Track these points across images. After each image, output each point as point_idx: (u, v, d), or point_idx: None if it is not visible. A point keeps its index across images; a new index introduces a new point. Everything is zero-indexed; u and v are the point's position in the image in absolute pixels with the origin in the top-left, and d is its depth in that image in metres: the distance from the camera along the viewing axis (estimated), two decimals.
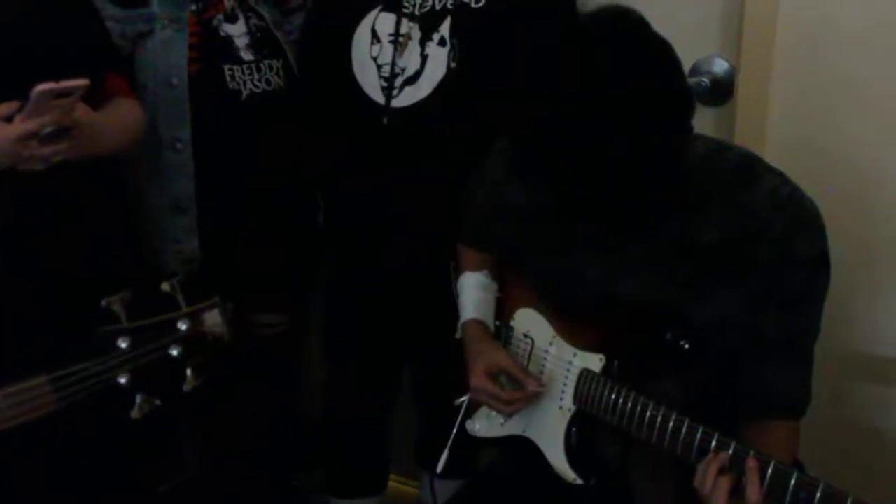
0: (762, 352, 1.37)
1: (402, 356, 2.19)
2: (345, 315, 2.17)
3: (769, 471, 1.19)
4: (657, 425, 1.33)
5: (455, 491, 2.32)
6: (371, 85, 1.90)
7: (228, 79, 1.89)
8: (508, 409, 1.53)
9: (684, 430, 1.30)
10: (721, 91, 1.88)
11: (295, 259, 2.16)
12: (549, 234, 1.48)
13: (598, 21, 1.22)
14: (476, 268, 1.69)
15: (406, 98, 1.88)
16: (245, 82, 1.91)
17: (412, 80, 1.88)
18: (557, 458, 1.50)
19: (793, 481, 1.16)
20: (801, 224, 1.32)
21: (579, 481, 1.47)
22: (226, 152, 1.93)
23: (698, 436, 1.28)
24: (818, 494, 1.14)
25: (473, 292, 1.67)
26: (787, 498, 1.17)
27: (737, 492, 1.22)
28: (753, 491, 1.20)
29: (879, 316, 1.84)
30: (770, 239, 1.31)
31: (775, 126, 1.82)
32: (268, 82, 1.94)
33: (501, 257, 1.67)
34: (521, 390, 1.52)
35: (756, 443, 1.29)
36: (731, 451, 1.24)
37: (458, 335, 1.69)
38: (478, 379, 1.55)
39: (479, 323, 1.64)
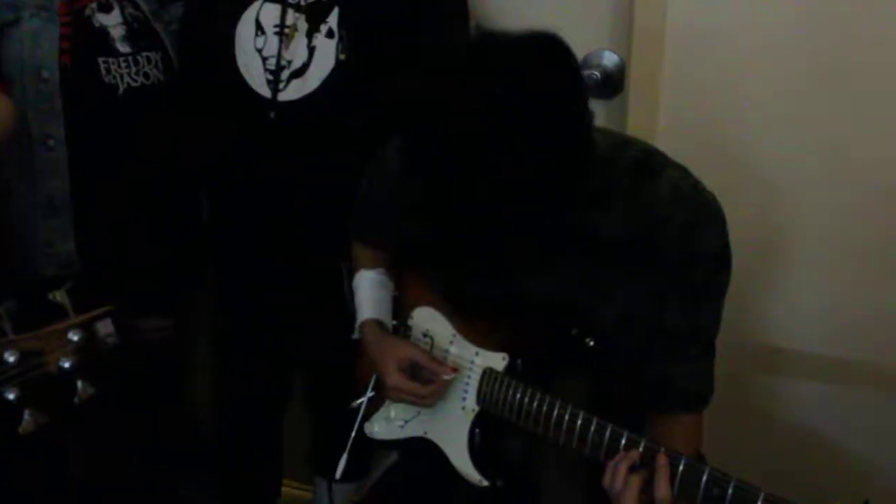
0: (666, 346, 1.35)
1: (293, 359, 2.11)
2: (232, 318, 2.08)
3: (680, 468, 1.17)
4: (564, 424, 1.30)
5: (351, 492, 2.28)
6: (256, 78, 1.81)
7: (104, 72, 1.77)
8: (428, 402, 1.49)
9: (592, 428, 1.27)
10: (612, 84, 1.86)
11: (178, 260, 2.05)
12: (454, 236, 1.42)
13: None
14: (371, 266, 1.63)
15: (293, 92, 1.80)
16: (122, 76, 1.79)
17: (299, 72, 1.80)
18: (461, 460, 1.46)
19: (704, 477, 1.15)
20: (703, 218, 1.31)
21: (485, 483, 1.43)
22: (102, 149, 1.82)
23: (607, 434, 1.26)
24: (730, 491, 1.13)
25: (370, 291, 1.61)
26: (700, 495, 1.15)
27: (648, 490, 1.20)
28: (663, 488, 1.18)
29: (772, 306, 1.87)
30: (673, 234, 1.30)
31: (667, 119, 1.82)
32: (146, 76, 1.83)
33: (399, 254, 1.62)
34: (436, 382, 1.47)
35: (661, 435, 1.27)
36: (640, 449, 1.22)
37: (355, 336, 1.63)
38: (393, 378, 1.49)
39: (377, 322, 1.58)
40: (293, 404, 2.19)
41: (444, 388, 1.47)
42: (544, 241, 1.28)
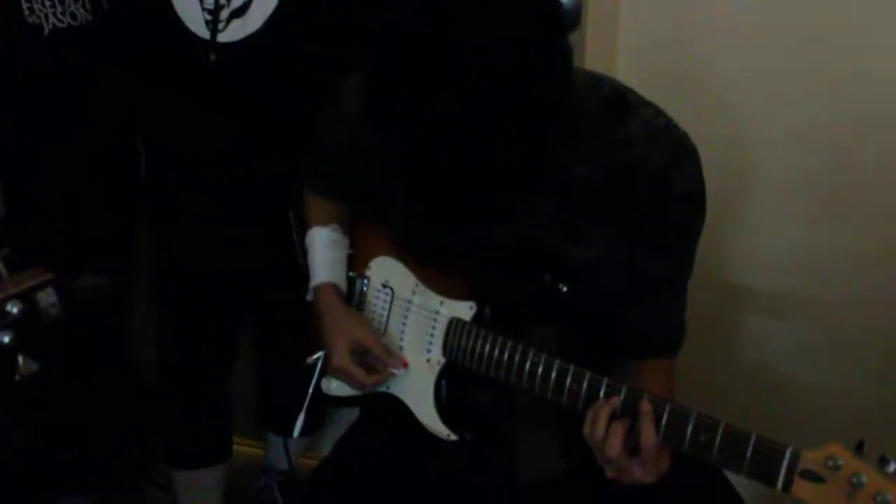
0: (640, 290, 1.29)
1: (240, 315, 2.01)
2: (175, 275, 1.97)
3: (665, 414, 1.11)
4: (538, 374, 1.23)
5: (303, 447, 2.20)
6: (194, 18, 1.69)
7: (27, 11, 1.63)
8: (367, 389, 1.43)
9: (569, 377, 1.20)
10: (570, 19, 1.78)
11: (114, 215, 1.94)
12: (415, 180, 1.33)
13: None
14: (325, 221, 1.53)
15: (234, 32, 1.69)
16: (46, 15, 1.65)
17: (239, 12, 1.69)
18: (428, 415, 1.38)
19: (691, 423, 1.09)
20: (679, 158, 1.24)
21: (453, 437, 1.35)
22: (27, 96, 1.68)
23: (585, 382, 1.19)
24: (718, 436, 1.07)
25: (324, 251, 1.52)
26: (686, 441, 1.09)
27: (631, 437, 1.14)
28: (648, 436, 1.12)
29: (736, 245, 1.83)
30: (647, 174, 1.22)
31: (626, 54, 1.74)
32: (73, 16, 1.69)
33: (356, 204, 1.52)
34: (382, 373, 1.41)
35: (634, 382, 1.21)
36: (622, 396, 1.15)
37: (309, 298, 1.53)
38: (339, 358, 1.42)
39: (332, 286, 1.49)
40: (239, 361, 2.10)
41: (385, 380, 1.42)
42: (516, 182, 1.20)
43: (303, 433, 2.10)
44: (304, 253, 1.62)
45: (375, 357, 1.42)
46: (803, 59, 1.72)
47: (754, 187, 1.82)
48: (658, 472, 1.14)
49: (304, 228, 1.60)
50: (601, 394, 1.17)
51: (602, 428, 1.14)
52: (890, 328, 1.84)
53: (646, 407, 1.13)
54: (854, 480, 0.98)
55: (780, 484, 1.02)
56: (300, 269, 1.65)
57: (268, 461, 2.30)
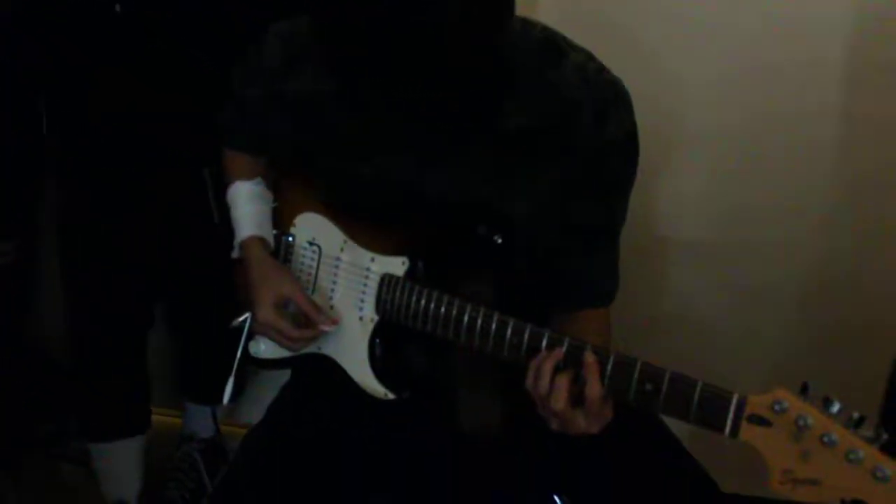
0: (575, 239, 1.27)
1: (154, 280, 1.92)
2: (83, 239, 1.87)
3: (609, 364, 1.10)
4: (477, 328, 1.20)
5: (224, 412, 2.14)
6: None
7: None
8: (295, 346, 1.37)
9: (509, 330, 1.17)
10: None
11: (15, 178, 1.83)
12: (342, 127, 1.28)
13: None
14: (247, 176, 1.46)
15: None
16: None
17: None
18: (363, 374, 1.34)
19: (636, 372, 1.07)
20: (613, 103, 1.22)
21: (390, 396, 1.31)
22: None
23: (526, 335, 1.16)
24: (664, 385, 1.06)
25: (248, 205, 1.44)
26: (632, 391, 1.08)
27: (575, 389, 1.11)
28: (594, 387, 1.09)
29: (658, 196, 1.82)
30: (581, 119, 1.20)
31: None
32: None
33: (279, 159, 1.46)
34: (311, 329, 1.35)
35: (572, 334, 1.19)
36: (564, 348, 1.13)
37: (235, 254, 1.46)
38: (264, 312, 1.35)
39: (259, 240, 1.42)
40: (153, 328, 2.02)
41: (314, 339, 1.36)
42: (448, 128, 1.16)
43: (213, 401, 2.06)
44: (221, 212, 1.55)
45: (303, 313, 1.36)
46: (718, 16, 1.74)
47: (676, 140, 1.82)
48: (602, 423, 1.13)
49: (220, 187, 1.53)
50: (543, 346, 1.14)
51: (546, 380, 1.12)
52: (803, 272, 1.89)
53: (590, 358, 1.10)
54: (800, 422, 0.98)
55: (727, 430, 1.02)
56: (217, 228, 1.59)
57: (187, 430, 2.21)
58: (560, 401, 1.11)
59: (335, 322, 1.35)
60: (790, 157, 1.82)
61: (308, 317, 1.36)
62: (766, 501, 1.87)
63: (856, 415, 0.97)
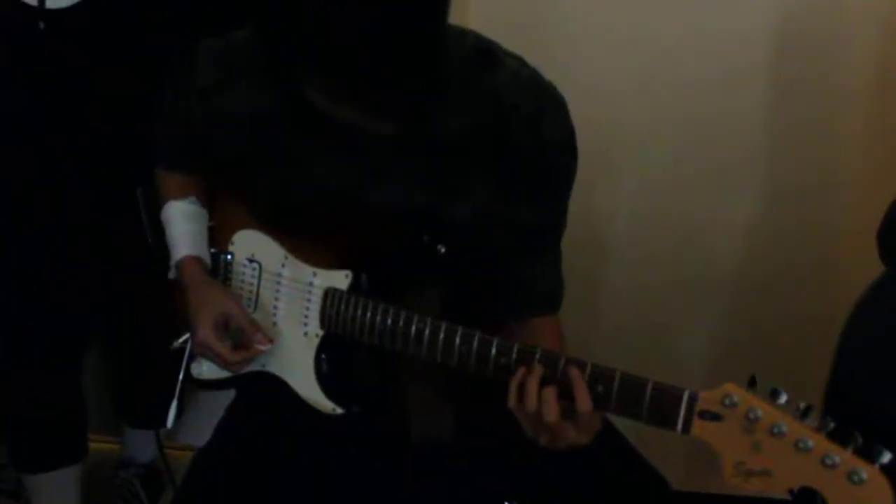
0: (519, 244, 1.27)
1: (89, 302, 1.87)
2: (12, 261, 1.81)
3: (615, 382, 1.07)
4: (425, 338, 1.18)
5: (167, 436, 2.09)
6: None
7: None
8: (234, 369, 1.34)
9: (458, 338, 1.16)
10: None
11: None
12: (279, 143, 1.26)
13: None
14: (181, 194, 1.43)
15: None
16: None
17: None
18: (309, 390, 1.32)
19: (587, 375, 1.08)
20: (548, 107, 1.23)
21: (339, 411, 1.30)
22: None
23: (475, 343, 1.15)
24: (616, 385, 1.06)
25: (183, 224, 1.42)
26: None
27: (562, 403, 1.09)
28: (584, 400, 1.07)
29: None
30: (518, 123, 1.21)
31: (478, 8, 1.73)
32: None
33: (215, 176, 1.43)
34: (249, 348, 1.32)
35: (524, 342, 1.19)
36: (537, 359, 1.11)
37: (171, 275, 1.43)
38: (203, 333, 1.32)
39: (196, 260, 1.39)
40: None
41: (253, 358, 1.34)
42: (386, 137, 1.15)
43: (158, 423, 2.01)
44: (155, 233, 1.52)
45: (242, 331, 1.34)
46: (643, 27, 1.80)
47: (606, 147, 1.86)
48: (592, 433, 1.12)
49: (154, 207, 1.50)
50: (492, 353, 1.13)
51: (534, 397, 1.10)
52: (729, 264, 1.94)
53: (574, 371, 1.09)
54: (751, 416, 0.99)
55: (679, 426, 1.03)
56: (152, 248, 1.56)
57: (127, 455, 2.17)
58: (552, 413, 1.08)
59: (271, 341, 1.33)
60: (716, 164, 1.87)
61: (246, 334, 1.33)
62: (716, 498, 1.92)
63: (802, 405, 0.99)
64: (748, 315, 1.93)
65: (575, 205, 1.30)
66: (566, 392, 1.09)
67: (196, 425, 1.95)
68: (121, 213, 1.64)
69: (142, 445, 2.15)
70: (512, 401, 1.12)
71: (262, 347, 1.32)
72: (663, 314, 1.97)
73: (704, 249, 1.92)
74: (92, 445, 2.05)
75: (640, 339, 1.94)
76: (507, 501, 1.43)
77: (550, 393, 1.09)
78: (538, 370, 1.11)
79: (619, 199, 1.91)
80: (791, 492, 1.00)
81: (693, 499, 1.88)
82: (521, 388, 1.11)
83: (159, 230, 1.48)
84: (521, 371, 1.12)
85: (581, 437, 1.11)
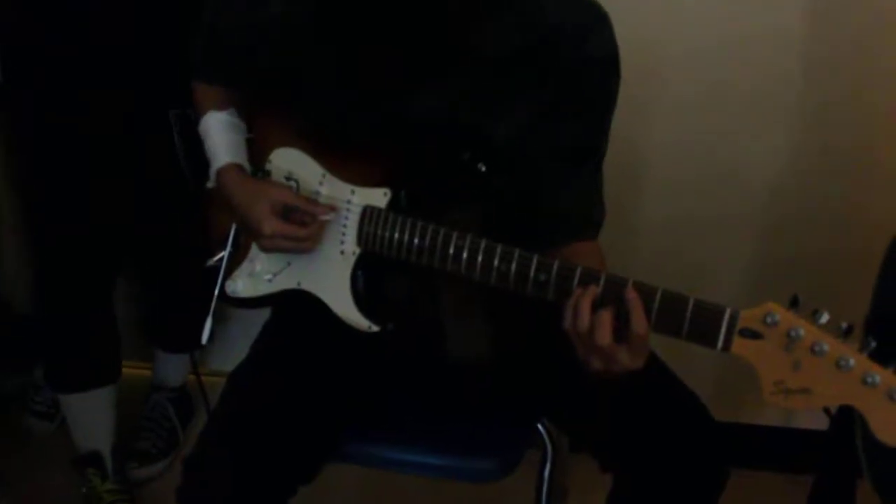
0: (560, 164, 1.28)
1: (121, 228, 1.89)
2: (44, 183, 1.83)
3: (656, 300, 1.07)
4: (463, 256, 1.19)
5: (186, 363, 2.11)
6: None
7: None
8: (308, 246, 1.32)
9: (497, 257, 1.17)
10: None
11: None
12: (321, 54, 1.26)
13: None
14: (220, 107, 1.43)
15: None
16: None
17: None
18: (346, 307, 1.33)
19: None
20: (593, 23, 1.24)
21: (374, 328, 1.31)
22: None
23: (514, 261, 1.15)
24: (657, 302, 1.06)
25: (222, 134, 1.41)
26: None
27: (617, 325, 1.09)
28: (640, 322, 1.07)
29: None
30: (562, 41, 1.21)
31: None
32: None
33: (252, 90, 1.43)
34: (314, 224, 1.31)
35: None
36: (601, 286, 1.10)
37: (210, 184, 1.44)
38: (270, 223, 1.29)
39: (237, 167, 1.39)
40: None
41: (323, 231, 1.32)
42: (430, 52, 1.15)
43: (183, 348, 2.04)
44: (188, 156, 1.53)
45: (300, 211, 1.31)
46: None
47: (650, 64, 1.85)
48: (644, 357, 1.11)
49: (188, 129, 1.50)
50: (532, 271, 1.14)
51: (586, 317, 1.09)
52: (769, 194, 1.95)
53: (631, 294, 1.08)
54: (792, 334, 1.00)
55: (720, 343, 1.04)
56: (184, 174, 1.56)
57: (157, 380, 2.21)
58: (605, 335, 1.08)
59: (333, 209, 1.31)
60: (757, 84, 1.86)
61: (305, 212, 1.31)
62: (759, 429, 1.93)
63: (844, 325, 1.00)
64: (787, 246, 1.93)
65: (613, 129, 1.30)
66: (619, 314, 1.09)
67: (227, 351, 1.98)
68: (153, 134, 1.65)
69: (173, 370, 2.18)
70: (566, 322, 1.11)
71: (325, 217, 1.30)
72: (700, 243, 1.97)
73: (740, 181, 1.91)
74: (123, 371, 2.09)
75: (675, 267, 1.94)
76: (541, 423, 1.46)
77: (606, 314, 1.08)
78: (592, 290, 1.10)
79: (656, 124, 1.90)
80: (827, 410, 1.01)
81: (736, 429, 1.89)
82: (575, 308, 1.10)
83: (192, 153, 1.49)
84: (575, 292, 1.11)
85: (634, 361, 1.10)
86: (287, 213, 1.32)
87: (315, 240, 1.32)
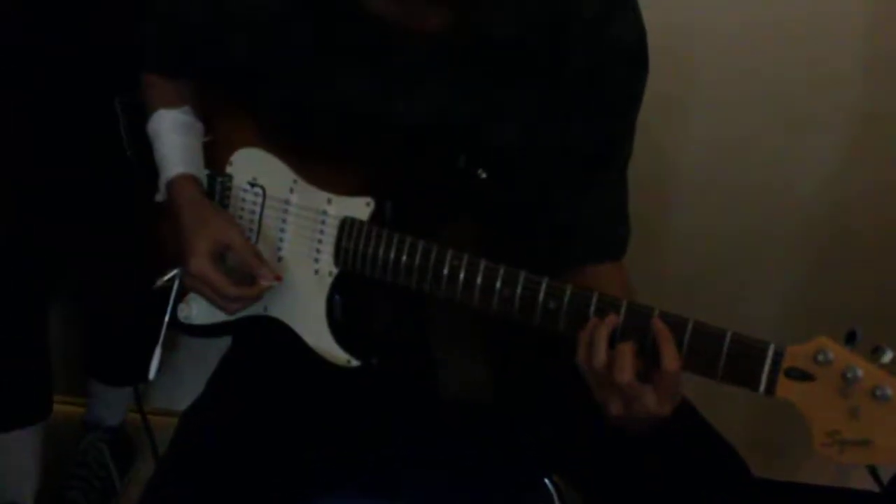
0: (574, 171, 1.28)
1: (56, 241, 1.87)
2: None
3: (687, 333, 1.07)
4: (460, 279, 1.19)
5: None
6: None
7: None
8: (230, 307, 1.33)
9: (500, 279, 1.17)
10: None
11: None
12: (295, 42, 1.27)
13: None
14: (173, 103, 1.44)
15: None
16: None
17: None
18: (320, 338, 1.33)
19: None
20: (614, 8, 1.23)
21: (354, 363, 1.31)
22: None
23: (520, 284, 1.15)
24: (687, 335, 1.06)
25: (175, 136, 1.41)
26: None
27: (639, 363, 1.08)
28: (671, 357, 1.06)
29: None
30: (579, 27, 1.21)
31: None
32: None
33: (214, 84, 1.43)
34: (252, 286, 1.31)
35: None
36: (622, 314, 1.10)
37: (159, 197, 1.44)
38: (198, 262, 1.30)
39: (191, 179, 1.39)
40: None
41: (258, 297, 1.33)
42: (422, 41, 1.15)
43: (124, 381, 2.03)
44: (135, 149, 1.53)
45: (244, 264, 1.32)
46: None
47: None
48: (674, 403, 1.10)
49: (136, 118, 1.50)
50: (540, 297, 1.14)
51: (603, 350, 1.08)
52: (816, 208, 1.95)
53: (658, 324, 1.07)
54: (849, 375, 0.99)
55: (762, 386, 1.03)
56: (131, 171, 1.56)
57: (92, 417, 2.20)
58: (626, 371, 1.06)
59: (278, 278, 1.33)
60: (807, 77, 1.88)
61: (248, 267, 1.32)
62: (803, 487, 1.92)
63: None
64: (842, 270, 1.93)
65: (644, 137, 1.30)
66: (643, 348, 1.09)
67: (174, 386, 1.98)
68: (96, 125, 1.65)
69: (111, 406, 2.18)
70: (580, 355, 1.11)
71: (267, 283, 1.31)
72: (738, 265, 1.97)
73: (785, 190, 1.92)
74: (55, 407, 2.08)
75: (708, 294, 1.95)
76: (548, 478, 1.45)
77: (627, 347, 1.07)
78: (611, 320, 1.09)
79: (687, 124, 1.92)
80: (874, 473, 1.01)
81: (780, 489, 1.88)
82: (590, 339, 1.10)
83: (140, 144, 1.48)
84: (591, 321, 1.10)
85: (662, 406, 1.09)
86: (226, 258, 1.33)
87: (240, 303, 1.32)
